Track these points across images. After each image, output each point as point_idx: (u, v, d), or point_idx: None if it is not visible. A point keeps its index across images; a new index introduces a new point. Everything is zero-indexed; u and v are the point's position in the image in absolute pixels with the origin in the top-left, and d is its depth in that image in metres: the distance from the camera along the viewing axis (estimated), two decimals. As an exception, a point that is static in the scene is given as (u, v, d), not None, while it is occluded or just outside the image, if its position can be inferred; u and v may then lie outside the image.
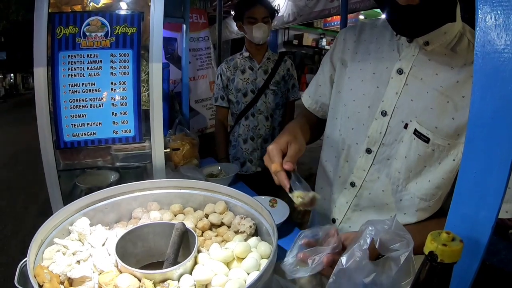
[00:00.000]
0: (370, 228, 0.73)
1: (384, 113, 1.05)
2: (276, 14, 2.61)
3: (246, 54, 2.62)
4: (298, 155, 1.01)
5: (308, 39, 14.35)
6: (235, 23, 2.60)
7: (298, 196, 0.91)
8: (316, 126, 1.33)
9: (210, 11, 6.16)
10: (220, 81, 2.65)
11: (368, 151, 1.09)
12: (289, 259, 0.81)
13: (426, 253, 0.50)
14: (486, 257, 0.60)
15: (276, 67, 2.60)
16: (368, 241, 0.71)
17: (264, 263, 0.87)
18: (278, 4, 6.56)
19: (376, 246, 0.71)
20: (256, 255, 0.89)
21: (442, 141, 0.95)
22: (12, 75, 28.19)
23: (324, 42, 14.20)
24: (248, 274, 0.84)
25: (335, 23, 11.71)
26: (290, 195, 0.93)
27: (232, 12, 5.68)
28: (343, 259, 0.71)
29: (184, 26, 2.80)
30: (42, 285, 0.76)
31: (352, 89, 1.14)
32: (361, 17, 8.60)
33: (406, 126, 1.01)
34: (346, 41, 1.20)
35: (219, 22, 4.68)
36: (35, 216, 4.46)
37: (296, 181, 0.94)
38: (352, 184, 1.15)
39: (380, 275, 0.70)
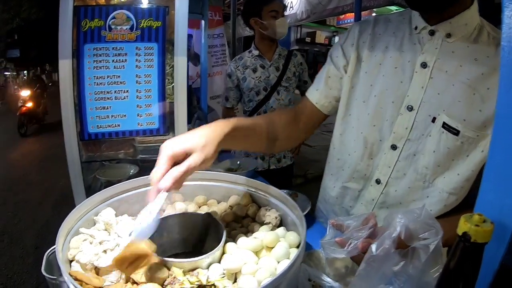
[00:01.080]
0: (399, 216, 0.73)
1: (410, 108, 1.03)
2: (288, 11, 2.64)
3: (255, 52, 2.60)
4: (193, 171, 0.81)
5: (321, 36, 14.31)
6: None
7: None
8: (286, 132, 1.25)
9: (224, 8, 6.16)
10: (230, 81, 2.65)
11: (393, 147, 1.07)
12: (327, 240, 0.83)
13: (460, 233, 0.51)
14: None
15: (286, 63, 2.59)
16: (398, 229, 0.71)
17: (293, 251, 0.87)
18: (291, 1, 6.55)
19: (402, 237, 0.71)
20: (285, 244, 0.89)
21: (472, 133, 0.94)
22: (25, 72, 28.50)
23: (336, 39, 14.13)
24: (278, 262, 0.84)
25: (348, 20, 11.63)
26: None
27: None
28: (373, 246, 0.72)
29: (203, 22, 2.81)
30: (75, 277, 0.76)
31: (373, 85, 1.11)
32: (374, 14, 8.55)
33: (434, 120, 0.99)
34: (361, 34, 1.16)
35: (233, 19, 4.68)
36: (49, 210, 4.51)
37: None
38: (378, 181, 1.13)
39: (409, 264, 0.70)
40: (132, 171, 1.68)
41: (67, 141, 1.30)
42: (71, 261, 0.86)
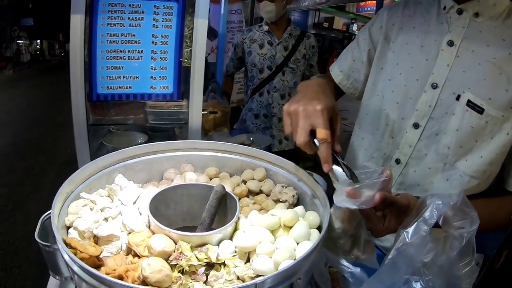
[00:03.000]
0: (437, 202, 0.69)
1: (434, 86, 1.03)
2: None
3: (265, 27, 2.54)
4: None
5: (339, 22, 14.22)
6: None
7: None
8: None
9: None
10: (234, 53, 2.66)
11: (416, 125, 1.07)
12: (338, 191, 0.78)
13: None
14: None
15: (297, 44, 2.52)
16: (435, 215, 0.68)
17: (313, 233, 0.81)
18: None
19: (440, 223, 0.68)
20: (305, 223, 0.82)
21: (496, 113, 0.94)
22: (38, 41, 28.62)
23: (355, 27, 14.05)
24: (298, 243, 0.77)
25: (368, 8, 11.51)
26: (334, 176, 0.83)
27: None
28: (407, 233, 0.68)
29: (224, -7, 2.74)
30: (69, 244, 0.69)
31: (399, 63, 1.12)
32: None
33: (458, 98, 0.99)
34: (390, 17, 1.18)
35: (252, -3, 4.59)
36: (53, 177, 4.57)
37: (340, 164, 0.82)
38: (397, 161, 1.12)
39: (440, 254, 0.67)
40: (140, 139, 1.63)
41: (74, 101, 1.24)
42: (68, 228, 0.80)
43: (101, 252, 0.72)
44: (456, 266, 0.66)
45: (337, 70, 1.30)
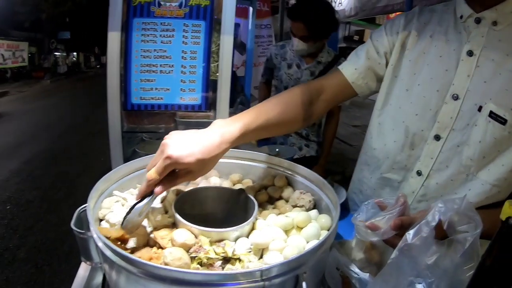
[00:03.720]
0: (440, 205, 0.70)
1: (455, 97, 1.01)
2: (337, 7, 2.54)
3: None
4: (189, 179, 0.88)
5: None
6: None
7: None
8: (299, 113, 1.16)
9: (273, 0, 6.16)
10: (267, 63, 2.67)
11: (437, 137, 1.05)
12: (360, 221, 0.80)
13: (503, 219, 0.49)
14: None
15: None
16: (437, 218, 0.68)
17: (324, 234, 0.85)
18: (340, 3, 6.43)
19: (444, 227, 0.68)
20: (316, 225, 0.87)
21: None
22: (75, 53, 29.62)
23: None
24: (308, 242, 0.82)
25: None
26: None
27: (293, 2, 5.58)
28: (409, 234, 0.69)
29: (251, 8, 2.81)
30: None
31: (416, 73, 1.10)
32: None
33: (480, 109, 0.97)
34: (406, 23, 1.15)
35: (281, 12, 4.65)
36: (87, 183, 4.67)
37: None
38: (419, 173, 1.11)
39: (444, 257, 0.67)
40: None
41: (110, 110, 1.35)
42: (100, 220, 0.88)
43: (122, 235, 0.78)
44: (460, 270, 0.65)
45: (351, 69, 1.21)
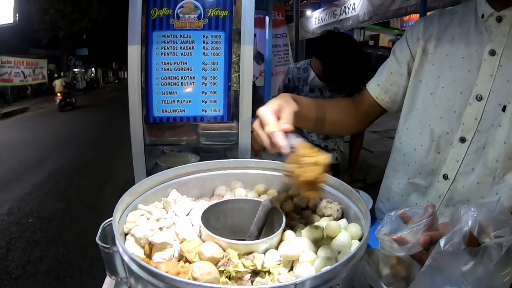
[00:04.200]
0: (472, 209, 0.67)
1: (479, 98, 0.99)
2: (350, 13, 2.48)
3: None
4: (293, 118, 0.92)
5: (384, 39, 13.99)
6: (310, 22, 2.48)
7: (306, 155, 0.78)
8: (345, 120, 1.29)
9: (287, 8, 6.17)
10: (288, 83, 2.57)
11: (462, 140, 1.03)
12: (384, 235, 0.76)
13: None
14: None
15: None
16: (470, 223, 0.65)
17: (355, 244, 0.83)
18: (353, 3, 6.42)
19: (475, 233, 0.65)
20: (347, 234, 0.85)
21: None
22: (93, 69, 30.29)
23: (399, 40, 13.72)
24: (339, 253, 0.81)
25: (412, 22, 11.25)
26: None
27: (307, 12, 5.56)
28: (442, 241, 0.65)
29: (267, 18, 2.82)
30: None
31: (440, 76, 1.09)
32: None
33: (504, 109, 0.95)
34: (426, 28, 1.14)
35: (296, 21, 4.66)
36: (109, 195, 4.78)
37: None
38: (445, 177, 1.08)
39: (479, 264, 0.64)
40: (193, 160, 1.70)
41: (132, 124, 1.35)
42: (126, 234, 0.87)
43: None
44: (497, 277, 0.62)
45: (374, 85, 1.26)
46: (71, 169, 6.31)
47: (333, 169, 2.53)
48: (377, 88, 1.25)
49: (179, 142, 1.55)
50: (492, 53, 0.97)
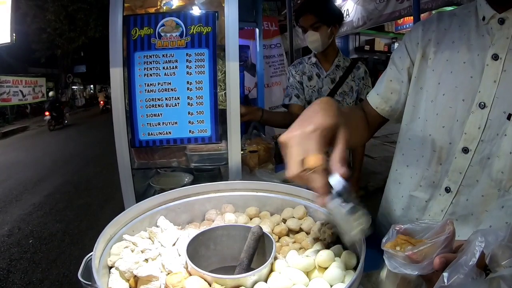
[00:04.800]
0: (479, 239, 0.61)
1: (482, 105, 0.94)
2: (344, 19, 2.47)
3: (313, 59, 2.48)
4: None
5: (380, 44, 14.04)
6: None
7: (357, 221, 0.69)
8: (363, 128, 1.22)
9: (281, 19, 6.16)
10: (293, 81, 2.52)
11: (465, 150, 0.98)
12: (393, 248, 0.69)
13: None
14: None
15: (344, 76, 2.41)
16: (477, 255, 0.59)
17: (349, 274, 0.79)
18: (347, 9, 6.42)
19: (487, 262, 0.59)
20: (340, 265, 0.80)
21: None
22: (91, 86, 30.49)
23: (396, 46, 13.79)
24: (331, 286, 0.76)
25: (407, 25, 11.33)
26: (332, 209, 0.72)
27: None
28: (445, 274, 0.60)
29: (257, 30, 2.80)
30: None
31: (441, 83, 1.03)
32: (437, 11, 8.18)
33: (509, 117, 0.90)
34: (425, 32, 1.10)
35: (290, 30, 4.64)
36: (110, 215, 4.69)
37: (343, 195, 0.70)
38: (447, 190, 1.03)
39: None
40: (186, 179, 1.67)
41: (118, 148, 1.31)
42: (110, 267, 0.84)
43: None
44: None
45: (373, 94, 1.22)
46: (70, 189, 6.29)
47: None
48: (377, 97, 1.21)
49: (169, 164, 1.52)
50: (495, 57, 0.92)
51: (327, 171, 0.71)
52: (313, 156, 0.69)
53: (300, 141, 0.72)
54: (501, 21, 0.92)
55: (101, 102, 22.82)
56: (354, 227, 0.69)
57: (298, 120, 0.78)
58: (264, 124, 2.21)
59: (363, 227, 0.69)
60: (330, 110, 0.78)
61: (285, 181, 1.93)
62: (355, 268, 0.81)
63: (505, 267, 0.58)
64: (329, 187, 0.70)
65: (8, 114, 15.98)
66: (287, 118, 2.67)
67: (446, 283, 0.59)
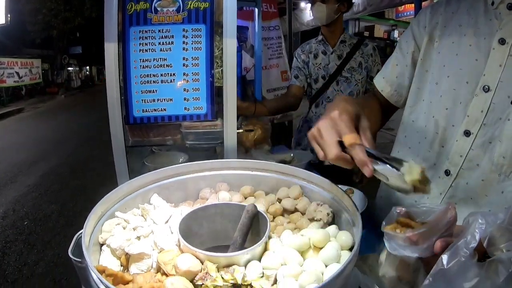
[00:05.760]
0: (480, 221, 0.60)
1: (486, 89, 0.93)
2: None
3: (320, 37, 2.48)
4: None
5: (380, 30, 13.99)
6: (304, 14, 2.48)
7: (409, 172, 0.69)
8: (376, 114, 1.22)
9: (280, 1, 6.11)
10: (297, 61, 2.52)
11: (467, 133, 0.97)
12: (394, 230, 0.68)
13: None
14: None
15: (352, 52, 2.39)
16: (477, 237, 0.58)
17: (344, 255, 0.77)
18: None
19: (484, 245, 0.59)
20: (336, 245, 0.78)
21: None
22: (87, 67, 30.19)
23: (396, 33, 13.78)
24: (326, 266, 0.75)
25: (408, 13, 11.26)
26: (382, 176, 0.73)
27: (301, 4, 5.54)
28: (444, 257, 0.59)
29: (256, 10, 2.75)
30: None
31: (446, 65, 1.03)
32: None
33: None
34: (432, 15, 1.09)
35: (289, 13, 4.59)
36: (105, 195, 4.72)
37: (381, 159, 0.73)
38: (447, 173, 1.02)
39: (484, 281, 0.57)
40: (181, 159, 1.65)
41: (112, 125, 1.29)
42: (101, 245, 0.83)
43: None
44: None
45: (379, 77, 1.24)
46: (66, 170, 6.28)
47: (349, 171, 2.43)
48: (383, 81, 1.23)
49: (163, 142, 1.49)
50: (502, 41, 0.91)
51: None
52: (349, 135, 0.74)
53: (331, 125, 0.77)
54: (510, 6, 0.90)
55: None
56: (408, 179, 0.70)
57: (323, 115, 0.82)
58: (258, 116, 2.22)
59: (414, 178, 0.70)
60: (351, 101, 0.84)
61: (282, 162, 1.93)
62: (351, 249, 0.80)
63: (504, 250, 0.58)
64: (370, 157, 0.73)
65: (3, 96, 15.80)
66: (280, 101, 2.69)
67: (445, 266, 0.59)
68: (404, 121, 1.18)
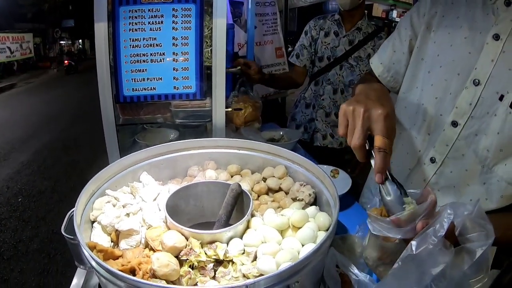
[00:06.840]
0: (449, 211, 0.64)
1: (476, 82, 0.94)
2: None
3: (336, 16, 2.40)
4: None
5: (378, 10, 13.80)
6: None
7: (409, 204, 0.71)
8: None
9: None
10: (304, 38, 2.47)
11: (454, 124, 0.99)
12: (377, 215, 0.72)
13: None
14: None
15: (364, 42, 2.32)
16: (445, 226, 0.62)
17: (321, 235, 0.81)
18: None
19: (456, 234, 0.63)
20: (313, 225, 0.82)
21: None
22: (80, 41, 29.61)
23: (394, 14, 13.61)
24: (303, 245, 0.78)
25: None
26: (385, 191, 0.74)
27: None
28: (414, 243, 0.63)
29: (250, -16, 2.70)
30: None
31: (440, 55, 1.04)
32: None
33: (501, 98, 0.90)
34: (433, 4, 1.09)
35: (285, -13, 4.51)
36: (98, 171, 4.72)
37: (394, 178, 0.74)
38: (432, 160, 1.06)
39: (451, 267, 0.62)
40: (172, 135, 1.67)
41: (102, 103, 1.30)
42: (92, 222, 0.86)
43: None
44: (467, 282, 0.61)
45: (377, 62, 1.24)
46: (59, 146, 6.25)
47: (333, 154, 2.46)
48: (380, 66, 1.23)
49: (154, 120, 1.51)
50: (496, 37, 0.92)
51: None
52: (383, 138, 0.72)
53: (370, 117, 0.75)
54: (508, 3, 0.91)
55: None
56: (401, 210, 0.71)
57: (364, 97, 0.80)
58: (265, 85, 2.19)
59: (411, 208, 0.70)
60: (390, 99, 0.82)
61: (271, 140, 1.96)
62: (327, 230, 0.83)
63: (471, 241, 0.62)
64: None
65: (-5, 71, 15.58)
66: (285, 79, 2.68)
67: (414, 251, 0.62)
68: (397, 107, 1.19)
